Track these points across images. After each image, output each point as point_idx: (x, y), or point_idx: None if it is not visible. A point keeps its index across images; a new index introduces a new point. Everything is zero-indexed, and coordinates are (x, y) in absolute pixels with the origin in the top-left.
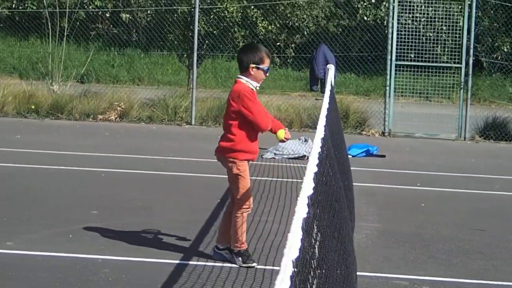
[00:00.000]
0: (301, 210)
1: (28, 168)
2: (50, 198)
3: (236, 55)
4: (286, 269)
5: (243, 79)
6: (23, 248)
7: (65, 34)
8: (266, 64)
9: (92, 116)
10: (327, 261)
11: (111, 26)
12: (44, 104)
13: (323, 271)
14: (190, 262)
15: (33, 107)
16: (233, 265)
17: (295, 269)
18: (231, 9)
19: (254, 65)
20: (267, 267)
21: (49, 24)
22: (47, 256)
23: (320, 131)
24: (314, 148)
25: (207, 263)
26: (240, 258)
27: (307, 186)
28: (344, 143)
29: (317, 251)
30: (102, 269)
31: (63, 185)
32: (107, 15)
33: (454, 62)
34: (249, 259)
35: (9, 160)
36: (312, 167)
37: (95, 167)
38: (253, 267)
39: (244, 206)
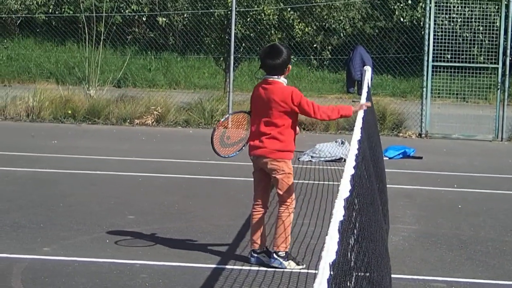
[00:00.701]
0: (339, 212)
1: (65, 173)
2: (86, 203)
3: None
4: (324, 272)
5: (280, 79)
6: (60, 254)
7: (102, 38)
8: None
9: (129, 120)
10: (362, 264)
11: (148, 30)
12: (80, 109)
13: (359, 273)
14: (227, 266)
15: (69, 112)
16: (269, 269)
17: (332, 272)
18: (268, 11)
19: (289, 65)
20: (303, 270)
21: (86, 28)
22: (84, 261)
23: (356, 133)
24: (351, 150)
25: (244, 267)
26: (291, 262)
27: (345, 188)
28: (379, 145)
29: (353, 254)
30: (140, 274)
31: (99, 190)
32: (144, 19)
33: (491, 63)
34: (298, 261)
35: (45, 166)
36: (349, 169)
37: (132, 172)
38: (303, 267)
39: (292, 205)
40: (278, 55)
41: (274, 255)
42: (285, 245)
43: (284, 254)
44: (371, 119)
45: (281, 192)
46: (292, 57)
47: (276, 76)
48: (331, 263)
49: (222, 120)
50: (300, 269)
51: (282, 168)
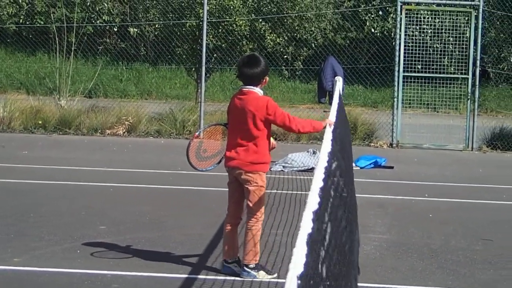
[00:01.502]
0: (307, 225)
1: (35, 184)
2: (58, 214)
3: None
4: (291, 285)
5: (256, 89)
6: (31, 264)
7: (73, 49)
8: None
9: (100, 131)
10: (334, 275)
11: (119, 40)
12: (51, 119)
13: (330, 282)
14: (199, 276)
15: (40, 122)
16: (241, 279)
17: (299, 282)
18: (240, 22)
19: (266, 76)
20: (275, 280)
21: (57, 39)
22: (55, 272)
23: (326, 145)
24: (320, 162)
25: (216, 277)
26: (261, 272)
27: (313, 201)
28: (351, 155)
29: (322, 266)
30: (111, 284)
31: (71, 200)
32: (115, 29)
33: (461, 73)
34: (269, 271)
35: (16, 176)
36: (317, 181)
37: (103, 182)
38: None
39: (261, 218)
40: (256, 64)
41: (245, 267)
42: (255, 258)
43: (254, 266)
44: (343, 127)
45: (251, 204)
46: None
47: (251, 86)
48: (298, 275)
49: (196, 133)
50: (271, 278)
51: (256, 181)
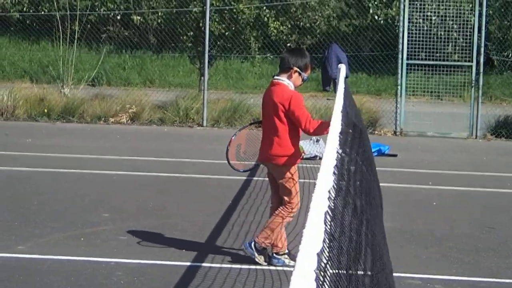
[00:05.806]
0: (317, 204)
1: (39, 171)
2: (61, 201)
3: (247, 56)
4: (302, 264)
5: (285, 81)
6: (35, 252)
7: (76, 37)
8: (307, 73)
9: (103, 119)
10: (347, 255)
11: (122, 28)
12: (55, 108)
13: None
14: (203, 264)
15: (45, 110)
16: (244, 266)
17: (316, 265)
18: (245, 10)
19: (297, 69)
20: (279, 268)
21: (60, 27)
22: (58, 259)
23: (335, 127)
24: (328, 142)
25: (220, 265)
26: (262, 256)
27: (324, 177)
28: (367, 135)
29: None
30: (115, 272)
31: (74, 188)
32: (118, 17)
33: (465, 61)
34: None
35: (20, 164)
36: (327, 161)
37: (107, 170)
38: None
39: (294, 209)
40: (293, 52)
41: (252, 244)
42: (266, 242)
43: (260, 248)
44: (352, 112)
45: (283, 196)
46: (268, 55)
47: (281, 78)
48: (310, 255)
49: (233, 137)
50: (266, 265)
51: (284, 173)
